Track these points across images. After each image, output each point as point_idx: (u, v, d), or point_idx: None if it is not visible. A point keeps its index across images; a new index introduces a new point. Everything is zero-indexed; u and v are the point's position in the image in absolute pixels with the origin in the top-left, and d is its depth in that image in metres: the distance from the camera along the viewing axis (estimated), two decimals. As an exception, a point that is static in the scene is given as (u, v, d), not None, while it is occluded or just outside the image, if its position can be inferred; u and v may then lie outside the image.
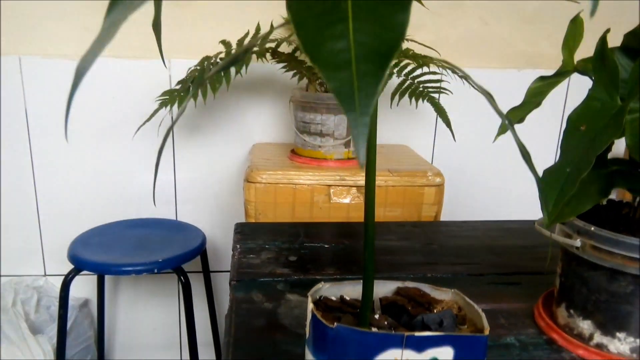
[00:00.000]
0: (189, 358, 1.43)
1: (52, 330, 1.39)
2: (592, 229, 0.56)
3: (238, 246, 0.85)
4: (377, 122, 1.47)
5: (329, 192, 1.07)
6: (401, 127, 1.48)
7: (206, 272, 1.43)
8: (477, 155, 1.53)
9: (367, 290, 0.32)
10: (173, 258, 1.14)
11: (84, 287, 1.53)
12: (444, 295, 0.37)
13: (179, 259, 1.15)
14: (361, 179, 1.08)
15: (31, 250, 1.49)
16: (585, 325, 0.59)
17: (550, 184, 0.48)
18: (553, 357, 0.58)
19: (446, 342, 0.31)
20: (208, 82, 1.01)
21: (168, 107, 1.03)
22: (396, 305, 0.35)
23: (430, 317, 0.35)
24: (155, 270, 1.10)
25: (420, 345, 0.30)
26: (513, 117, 0.66)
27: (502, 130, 0.66)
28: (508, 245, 0.88)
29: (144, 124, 1.10)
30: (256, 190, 1.07)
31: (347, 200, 1.07)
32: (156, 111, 1.06)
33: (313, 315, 0.32)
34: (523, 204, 1.59)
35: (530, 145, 1.54)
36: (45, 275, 1.51)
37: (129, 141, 1.42)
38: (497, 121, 1.52)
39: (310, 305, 0.33)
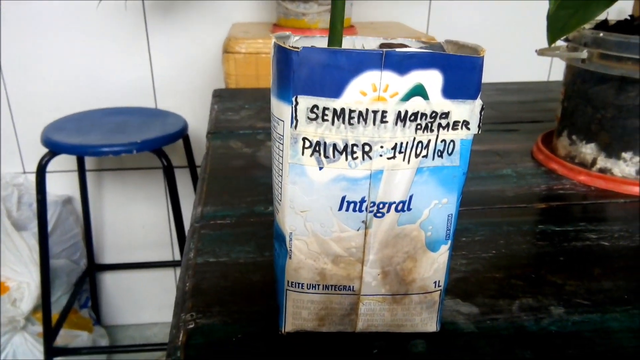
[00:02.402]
0: (180, 257, 1.42)
1: (36, 227, 1.36)
2: (601, 34, 0.50)
3: (216, 107, 0.79)
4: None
5: (314, 62, 1.00)
6: (393, 4, 1.38)
7: (191, 164, 1.38)
8: (472, 27, 1.45)
9: (337, 12, 0.26)
10: (153, 139, 1.08)
11: (65, 183, 1.48)
12: (434, 45, 0.31)
13: (159, 141, 1.09)
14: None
15: (8, 148, 1.43)
16: (588, 150, 0.54)
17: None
18: (552, 184, 0.53)
19: (433, 64, 0.25)
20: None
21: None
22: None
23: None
24: (134, 151, 1.05)
25: (402, 67, 0.25)
26: None
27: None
28: (506, 102, 0.83)
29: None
30: (236, 61, 1.00)
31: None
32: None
33: (276, 48, 0.26)
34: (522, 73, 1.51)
35: None
36: (24, 172, 1.45)
37: (99, 24, 1.33)
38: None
39: (273, 39, 0.27)
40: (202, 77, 1.42)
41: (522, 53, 1.46)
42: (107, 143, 1.05)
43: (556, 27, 0.51)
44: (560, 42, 0.56)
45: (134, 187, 1.54)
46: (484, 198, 0.50)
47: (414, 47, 0.31)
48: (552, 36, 0.51)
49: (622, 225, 0.45)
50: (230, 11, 1.33)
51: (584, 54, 0.51)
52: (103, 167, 1.50)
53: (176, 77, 1.42)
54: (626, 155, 0.52)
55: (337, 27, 0.26)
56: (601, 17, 0.53)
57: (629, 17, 0.56)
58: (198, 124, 1.47)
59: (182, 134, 1.17)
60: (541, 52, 0.57)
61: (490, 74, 1.47)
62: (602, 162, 0.53)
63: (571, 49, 0.53)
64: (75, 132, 1.12)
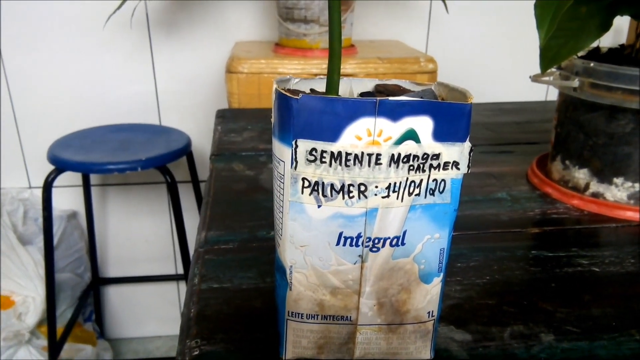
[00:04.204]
0: (183, 271, 1.43)
1: (41, 242, 1.38)
2: (592, 64, 0.52)
3: (219, 127, 0.81)
4: (367, 17, 1.39)
5: (316, 81, 1.02)
6: (392, 22, 1.41)
7: (195, 180, 1.40)
8: (470, 47, 1.47)
9: (334, 62, 0.28)
10: (157, 157, 1.10)
11: (70, 199, 1.50)
12: (425, 88, 0.33)
13: (163, 158, 1.11)
14: (349, 67, 1.03)
15: (13, 164, 1.45)
16: (581, 175, 0.56)
17: (547, 1, 0.44)
18: (546, 208, 0.55)
19: (425, 110, 0.27)
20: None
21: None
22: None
23: (409, 96, 0.31)
24: (139, 169, 1.07)
25: (395, 113, 0.27)
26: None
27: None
28: (502, 122, 0.84)
29: (114, 11, 1.03)
30: (239, 81, 1.02)
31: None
32: (127, -1, 0.99)
33: (277, 94, 0.28)
34: (518, 93, 1.53)
35: None
36: (30, 187, 1.47)
37: (105, 42, 1.35)
38: (491, 11, 1.44)
39: (275, 85, 0.29)
40: (205, 93, 1.45)
41: (520, 71, 1.49)
42: (112, 160, 1.07)
43: (548, 56, 0.53)
44: (553, 69, 0.58)
45: (137, 202, 1.56)
46: (479, 222, 0.51)
47: (407, 87, 0.33)
48: (544, 65, 0.53)
49: (613, 250, 0.46)
50: (233, 29, 1.35)
51: (576, 82, 0.53)
52: (107, 182, 1.52)
53: (180, 93, 1.44)
54: (618, 180, 0.53)
55: (334, 78, 0.27)
56: (593, 44, 0.55)
57: (619, 47, 0.57)
58: (201, 139, 1.49)
59: (185, 151, 1.19)
60: (535, 79, 0.59)
61: (488, 93, 1.50)
62: (595, 186, 0.55)
63: (563, 77, 0.55)
64: (80, 149, 1.14)
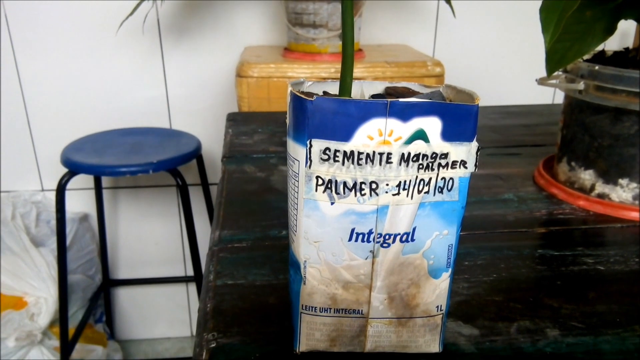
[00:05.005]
0: (193, 273, 1.45)
1: (54, 243, 1.40)
2: (596, 67, 0.53)
3: (230, 130, 0.83)
4: (374, 21, 1.41)
5: (324, 85, 1.03)
6: (400, 26, 1.42)
7: (204, 183, 1.41)
8: (477, 50, 1.48)
9: (347, 65, 0.29)
10: (168, 160, 1.12)
11: (82, 201, 1.52)
12: (434, 90, 0.34)
13: (174, 161, 1.13)
14: (357, 71, 1.04)
15: (27, 167, 1.48)
16: (587, 176, 0.57)
17: (552, 5, 0.45)
18: (552, 208, 0.56)
19: (433, 111, 0.28)
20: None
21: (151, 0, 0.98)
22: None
23: (418, 97, 0.33)
24: (150, 171, 1.09)
25: (405, 114, 0.28)
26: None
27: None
28: (509, 125, 0.85)
29: (127, 17, 1.05)
30: (248, 85, 1.03)
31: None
32: (139, 4, 1.01)
33: (292, 96, 0.29)
34: (525, 96, 1.54)
35: None
36: (42, 190, 1.50)
37: (117, 46, 1.37)
38: (497, 14, 1.45)
39: (290, 88, 0.30)
40: (215, 97, 1.47)
41: (527, 74, 1.49)
42: (124, 163, 1.09)
43: (554, 59, 0.54)
44: (559, 72, 0.59)
45: (147, 204, 1.58)
46: (487, 222, 0.52)
47: (416, 89, 0.35)
48: (550, 68, 0.54)
49: (618, 249, 0.47)
50: (242, 34, 1.37)
51: (581, 85, 0.54)
52: (118, 185, 1.54)
53: (190, 97, 1.46)
54: (623, 181, 0.54)
55: (347, 80, 0.29)
56: (599, 47, 0.56)
57: (624, 50, 0.58)
58: (211, 143, 1.51)
59: (196, 154, 1.21)
60: (541, 82, 0.60)
61: (495, 96, 1.51)
62: (600, 187, 0.56)
63: (569, 80, 0.56)
64: (93, 152, 1.16)
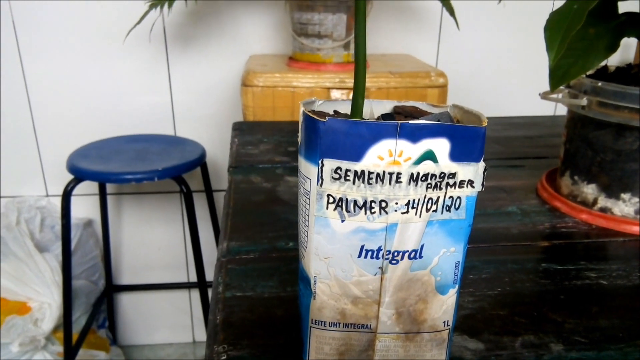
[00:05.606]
0: (196, 278, 1.46)
1: (58, 249, 1.41)
2: (599, 84, 0.53)
3: (236, 140, 0.83)
4: (378, 30, 1.42)
5: (329, 94, 1.05)
6: (403, 36, 1.43)
7: (208, 190, 1.42)
8: (480, 61, 1.49)
9: (359, 86, 0.30)
10: (173, 167, 1.13)
11: (86, 207, 1.53)
12: (442, 110, 0.35)
13: (178, 168, 1.14)
14: (361, 81, 1.05)
15: (32, 172, 1.49)
16: (590, 190, 0.57)
17: (556, 23, 0.46)
18: (555, 222, 0.57)
19: (442, 133, 0.29)
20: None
21: (158, 9, 0.99)
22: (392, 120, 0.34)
23: (426, 118, 0.33)
24: (155, 179, 1.10)
25: (414, 136, 0.29)
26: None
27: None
28: (512, 136, 0.86)
29: (134, 26, 1.06)
30: (254, 94, 1.04)
31: (347, 104, 1.05)
32: (146, 13, 1.02)
33: (304, 116, 0.30)
34: (528, 107, 1.55)
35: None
36: (47, 195, 1.51)
37: (122, 53, 1.39)
38: (500, 25, 1.47)
39: (302, 108, 0.31)
40: (220, 105, 1.48)
41: (530, 85, 1.50)
42: (129, 170, 1.10)
43: (557, 74, 0.55)
44: (562, 87, 0.60)
45: (151, 211, 1.59)
46: (490, 235, 0.53)
47: (424, 109, 0.35)
48: (553, 83, 0.55)
49: (620, 264, 0.48)
50: (248, 43, 1.38)
51: (584, 101, 0.55)
52: (122, 191, 1.55)
53: (195, 104, 1.47)
54: (625, 196, 0.55)
55: (358, 101, 0.30)
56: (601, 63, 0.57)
57: (626, 66, 0.59)
58: (215, 150, 1.52)
59: (200, 161, 1.22)
60: (544, 97, 0.61)
61: (498, 107, 1.52)
62: (603, 201, 0.56)
63: (572, 95, 0.57)
64: (98, 159, 1.17)
